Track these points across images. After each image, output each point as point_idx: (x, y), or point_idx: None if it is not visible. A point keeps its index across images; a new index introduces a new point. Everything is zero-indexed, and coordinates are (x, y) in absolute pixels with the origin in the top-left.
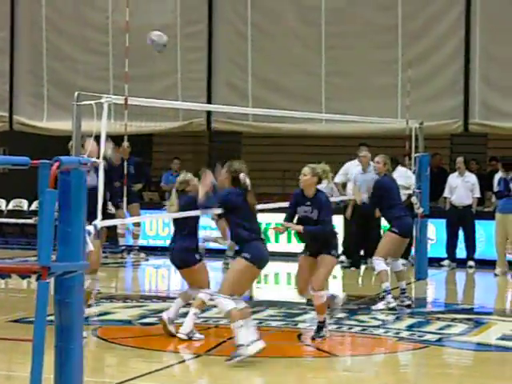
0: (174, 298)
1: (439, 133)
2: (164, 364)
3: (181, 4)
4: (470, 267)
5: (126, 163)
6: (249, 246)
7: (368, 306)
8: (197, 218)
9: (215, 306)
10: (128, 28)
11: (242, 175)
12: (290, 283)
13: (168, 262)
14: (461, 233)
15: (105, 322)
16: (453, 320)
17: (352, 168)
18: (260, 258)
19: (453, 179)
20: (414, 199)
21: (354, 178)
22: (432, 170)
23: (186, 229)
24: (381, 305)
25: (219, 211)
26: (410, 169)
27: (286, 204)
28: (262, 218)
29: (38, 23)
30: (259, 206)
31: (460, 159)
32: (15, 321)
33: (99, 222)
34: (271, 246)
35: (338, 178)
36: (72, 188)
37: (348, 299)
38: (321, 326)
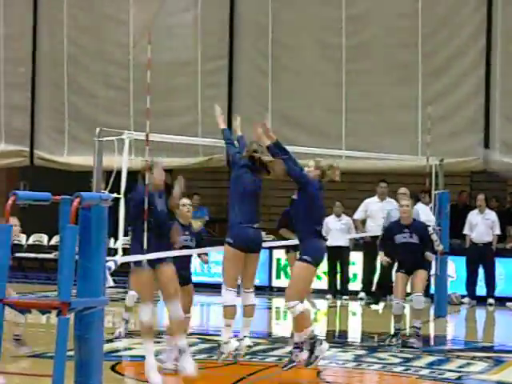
0: (193, 334)
1: (459, 170)
2: None
3: (202, 40)
4: (490, 305)
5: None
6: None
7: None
8: None
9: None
10: (149, 65)
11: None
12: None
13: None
14: (481, 270)
15: (124, 357)
16: (472, 358)
17: (372, 204)
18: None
19: (473, 216)
20: (434, 236)
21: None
22: (457, 207)
23: None
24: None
25: None
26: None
27: None
28: (281, 253)
29: (60, 59)
30: (278, 243)
31: (481, 196)
32: (35, 356)
33: (119, 258)
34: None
35: (358, 215)
36: (92, 224)
37: (368, 336)
38: (297, 347)
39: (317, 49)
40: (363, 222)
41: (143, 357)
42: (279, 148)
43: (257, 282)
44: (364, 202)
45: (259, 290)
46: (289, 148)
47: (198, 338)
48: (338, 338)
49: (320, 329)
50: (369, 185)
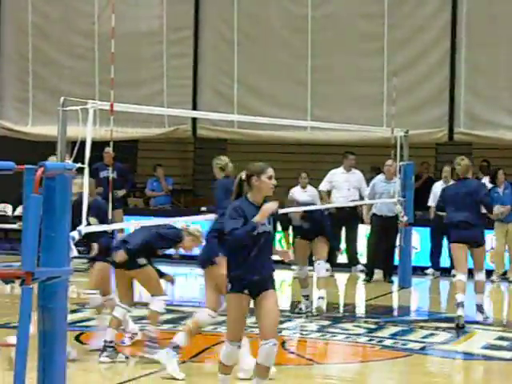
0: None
1: (424, 141)
2: (147, 370)
3: (167, 10)
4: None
5: (110, 169)
6: None
7: (352, 314)
8: None
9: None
10: (114, 34)
11: None
12: (275, 289)
13: None
14: (445, 242)
15: (88, 327)
16: (436, 329)
17: (337, 175)
18: None
19: (437, 188)
20: (398, 208)
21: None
22: (421, 178)
23: None
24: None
25: None
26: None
27: None
28: None
29: (24, 28)
30: None
31: (447, 168)
32: None
33: (83, 228)
34: None
35: (323, 186)
36: (57, 193)
37: (332, 307)
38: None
39: (283, 19)
40: (329, 193)
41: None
42: None
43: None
44: (329, 173)
45: None
46: (254, 118)
47: (164, 309)
48: (301, 309)
49: (284, 300)
50: (334, 156)
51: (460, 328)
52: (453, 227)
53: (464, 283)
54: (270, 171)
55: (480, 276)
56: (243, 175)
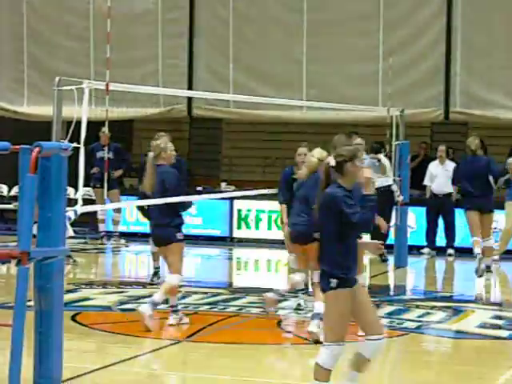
0: (153, 285)
1: (420, 121)
2: (144, 350)
3: None
4: (450, 255)
5: (106, 149)
6: None
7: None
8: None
9: (195, 293)
10: (109, 13)
11: None
12: (270, 270)
13: (148, 248)
14: (441, 221)
15: (84, 307)
16: (432, 308)
17: None
18: None
19: (433, 167)
20: (394, 187)
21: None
22: (418, 157)
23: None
24: None
25: None
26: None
27: (266, 191)
28: (242, 204)
29: (19, 8)
30: (239, 193)
31: (442, 147)
32: None
33: (80, 208)
34: (252, 233)
35: None
36: (52, 173)
37: None
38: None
39: None
40: None
41: (103, 307)
42: None
43: (218, 232)
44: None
45: (220, 241)
46: (250, 98)
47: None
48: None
49: (283, 281)
50: (330, 135)
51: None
52: (468, 197)
53: (480, 241)
54: (361, 154)
55: (489, 242)
56: (332, 161)
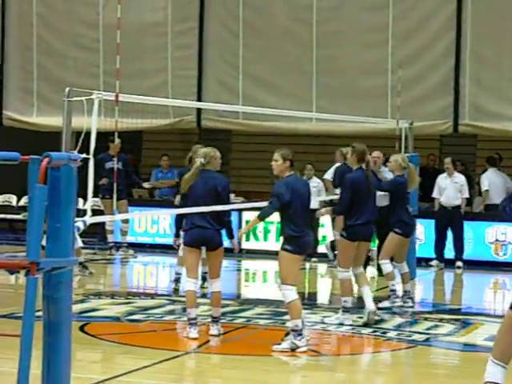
0: (162, 295)
1: (429, 133)
2: (151, 361)
3: (172, 1)
4: (458, 268)
5: (115, 160)
6: None
7: (356, 305)
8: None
9: (203, 304)
10: (119, 25)
11: None
12: (278, 281)
13: (156, 258)
14: (449, 233)
15: (93, 318)
16: (440, 320)
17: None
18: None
19: (442, 180)
20: None
21: None
22: (428, 170)
23: None
24: (387, 303)
25: None
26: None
27: None
28: (251, 216)
29: (29, 19)
30: (248, 205)
31: (448, 160)
32: (3, 316)
33: (89, 218)
34: (260, 245)
35: (330, 176)
36: (62, 184)
37: (336, 298)
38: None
39: (288, 10)
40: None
41: (111, 317)
42: None
43: (226, 244)
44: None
45: (229, 252)
46: (259, 110)
47: (167, 300)
48: (306, 300)
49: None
50: (338, 147)
51: None
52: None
53: None
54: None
55: None
56: None
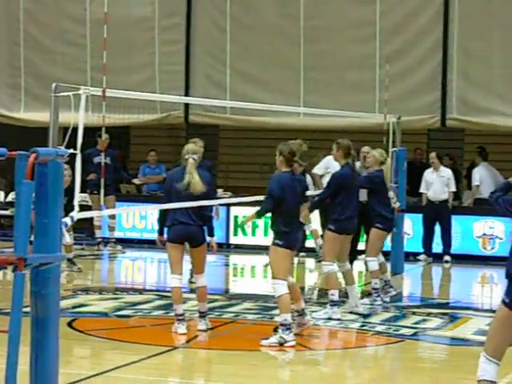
0: (150, 291)
1: (417, 128)
2: (140, 356)
3: None
4: (446, 262)
5: (103, 155)
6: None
7: (343, 300)
8: None
9: (191, 299)
10: (106, 20)
11: None
12: (266, 276)
13: (145, 254)
14: (437, 227)
15: (81, 313)
16: (428, 314)
17: (333, 162)
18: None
19: (428, 174)
20: (390, 194)
21: None
22: (415, 165)
23: None
24: (367, 300)
25: None
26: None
27: (262, 197)
28: (239, 211)
29: (16, 14)
30: (236, 200)
31: (433, 154)
32: None
33: (76, 214)
34: (248, 239)
35: (319, 170)
36: (49, 179)
37: (324, 293)
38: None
39: (275, 5)
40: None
41: (99, 313)
42: None
43: (214, 239)
44: (326, 159)
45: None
46: (247, 105)
47: (156, 295)
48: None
49: None
50: (327, 142)
51: None
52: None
53: None
54: None
55: None
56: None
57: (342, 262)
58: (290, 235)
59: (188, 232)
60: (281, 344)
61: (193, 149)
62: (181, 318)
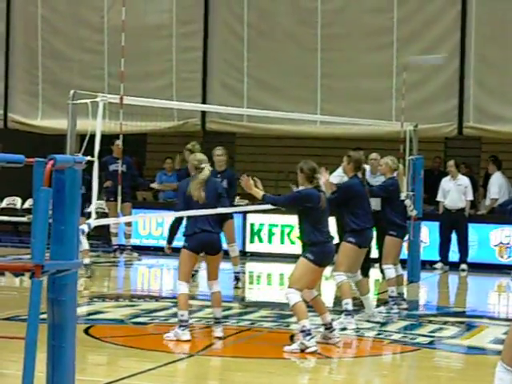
0: (166, 298)
1: (434, 136)
2: (156, 363)
3: (176, 4)
4: (463, 270)
5: (119, 162)
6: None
7: (360, 308)
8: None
9: (208, 306)
10: (124, 27)
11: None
12: (283, 284)
13: (161, 261)
14: (454, 236)
15: (97, 320)
16: (445, 323)
17: None
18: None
19: (445, 183)
20: (407, 202)
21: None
22: (433, 173)
23: None
24: (383, 309)
25: None
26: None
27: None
28: (255, 218)
29: (34, 22)
30: (252, 207)
31: (451, 162)
32: (7, 319)
33: (93, 221)
34: (265, 247)
35: (335, 179)
36: (66, 186)
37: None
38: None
39: (292, 13)
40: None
41: (116, 320)
42: None
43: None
44: (341, 167)
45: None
46: (264, 112)
47: (172, 302)
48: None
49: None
50: (343, 150)
51: None
52: None
53: None
54: None
55: None
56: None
57: (354, 272)
58: (322, 248)
59: (210, 240)
60: (302, 350)
61: (205, 158)
62: (185, 324)
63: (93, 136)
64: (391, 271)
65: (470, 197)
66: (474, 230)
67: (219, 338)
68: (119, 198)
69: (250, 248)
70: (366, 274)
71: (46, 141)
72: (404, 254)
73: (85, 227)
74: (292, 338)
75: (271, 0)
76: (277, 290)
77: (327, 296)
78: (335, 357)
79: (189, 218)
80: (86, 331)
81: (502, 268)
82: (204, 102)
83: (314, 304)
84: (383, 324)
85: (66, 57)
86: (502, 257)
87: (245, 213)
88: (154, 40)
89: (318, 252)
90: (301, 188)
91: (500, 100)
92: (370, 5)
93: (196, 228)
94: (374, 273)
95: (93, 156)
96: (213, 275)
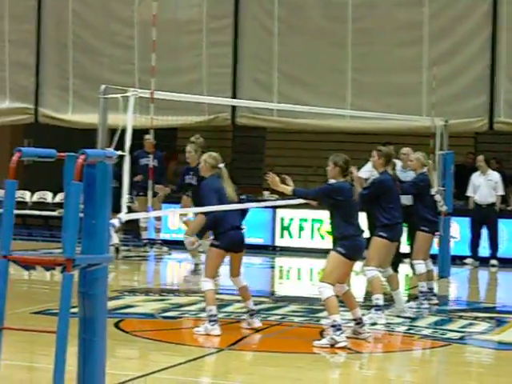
0: (195, 293)
1: (464, 131)
2: (186, 358)
3: None
4: (493, 266)
5: (151, 157)
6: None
7: (391, 303)
8: None
9: (238, 301)
10: (155, 22)
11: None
12: (312, 279)
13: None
14: (484, 231)
15: (127, 315)
16: (475, 318)
17: None
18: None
19: (476, 178)
20: (437, 197)
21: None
22: (465, 168)
23: None
24: (413, 304)
25: None
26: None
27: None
28: (284, 213)
29: (65, 16)
30: (282, 202)
31: (480, 157)
32: (39, 312)
33: (124, 216)
34: (294, 242)
35: (364, 174)
36: (97, 181)
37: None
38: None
39: (322, 8)
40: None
41: (146, 314)
42: None
43: (260, 241)
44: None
45: (262, 250)
46: (294, 107)
47: (201, 297)
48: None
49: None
50: (373, 145)
51: None
52: None
53: None
54: None
55: None
56: None
57: (385, 267)
58: (353, 241)
59: (241, 238)
60: (332, 345)
61: (217, 157)
62: (215, 318)
63: (123, 130)
64: (422, 266)
65: (501, 192)
66: (504, 225)
67: (257, 329)
68: (149, 193)
69: (279, 243)
70: (396, 269)
71: (71, 135)
72: (434, 249)
73: (115, 221)
74: (322, 333)
75: None
76: (306, 285)
77: (357, 291)
78: (365, 352)
79: (217, 215)
80: (117, 325)
81: None
82: (234, 96)
83: (344, 299)
84: (413, 319)
85: (97, 51)
86: None
87: (274, 207)
88: (185, 35)
89: (349, 245)
90: (332, 181)
91: None
92: None
93: (228, 225)
94: (405, 268)
95: (123, 150)
96: (237, 271)
